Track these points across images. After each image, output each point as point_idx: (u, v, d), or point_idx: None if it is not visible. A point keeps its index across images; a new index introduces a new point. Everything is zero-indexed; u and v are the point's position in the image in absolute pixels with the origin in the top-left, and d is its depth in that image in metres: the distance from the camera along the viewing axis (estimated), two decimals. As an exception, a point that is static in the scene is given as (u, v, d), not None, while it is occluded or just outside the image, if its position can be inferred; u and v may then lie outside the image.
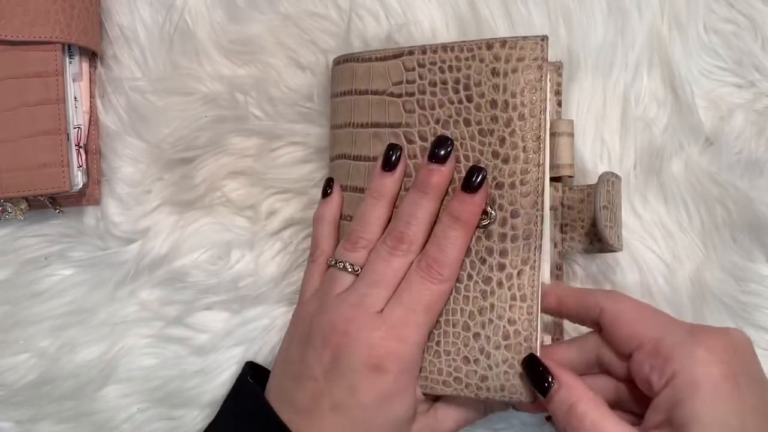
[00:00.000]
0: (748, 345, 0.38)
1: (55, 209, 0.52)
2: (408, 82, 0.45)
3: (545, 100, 0.42)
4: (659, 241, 0.51)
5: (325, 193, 0.48)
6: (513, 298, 0.42)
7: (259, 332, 0.52)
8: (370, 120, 0.46)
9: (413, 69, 0.45)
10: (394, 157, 0.45)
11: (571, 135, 0.46)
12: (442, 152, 0.43)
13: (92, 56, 0.53)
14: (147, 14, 0.53)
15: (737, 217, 0.50)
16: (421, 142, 0.44)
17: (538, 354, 0.41)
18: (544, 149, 0.42)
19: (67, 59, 0.50)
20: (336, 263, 0.44)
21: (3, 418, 0.53)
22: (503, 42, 0.43)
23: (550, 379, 0.39)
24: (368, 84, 0.46)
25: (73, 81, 0.51)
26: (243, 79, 0.52)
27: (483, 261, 0.43)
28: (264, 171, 0.52)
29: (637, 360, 0.39)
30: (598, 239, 0.46)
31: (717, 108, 0.51)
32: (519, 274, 0.42)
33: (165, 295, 0.53)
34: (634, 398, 0.41)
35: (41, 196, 0.50)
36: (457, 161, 0.44)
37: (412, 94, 0.45)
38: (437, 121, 0.44)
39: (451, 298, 0.43)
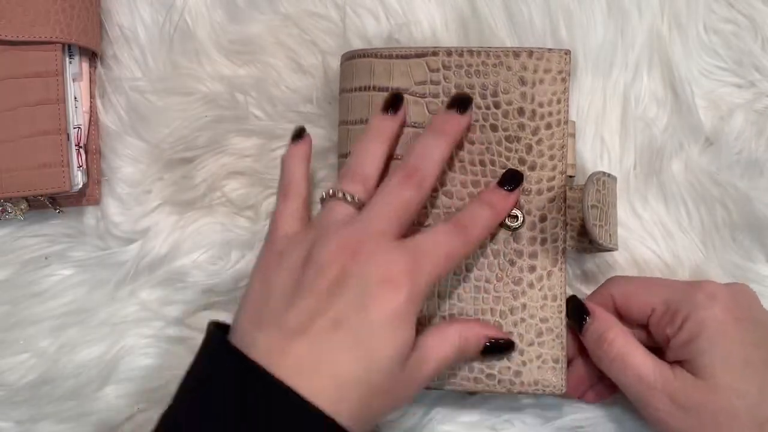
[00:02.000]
0: (750, 293, 0.44)
1: (55, 209, 0.52)
2: (432, 82, 0.45)
3: (568, 111, 0.45)
4: (659, 241, 0.51)
5: (297, 137, 0.46)
6: (545, 297, 0.45)
7: (259, 332, 0.52)
8: None
9: (438, 70, 0.45)
10: (397, 101, 0.44)
11: (573, 135, 0.46)
12: (462, 103, 0.44)
13: (92, 56, 0.53)
14: (147, 14, 0.53)
15: (737, 217, 0.50)
16: None
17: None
18: (566, 157, 0.45)
19: (67, 59, 0.50)
20: (335, 193, 0.41)
21: (3, 418, 0.53)
22: (530, 52, 0.45)
23: (586, 316, 0.44)
24: (389, 81, 0.46)
25: (73, 81, 0.51)
26: (243, 79, 0.52)
27: (512, 263, 0.45)
28: (264, 171, 0.52)
29: (652, 324, 0.44)
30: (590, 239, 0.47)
31: (717, 108, 0.51)
32: (549, 275, 0.45)
33: (165, 295, 0.53)
34: None
35: (41, 196, 0.50)
36: (482, 165, 0.45)
37: (437, 95, 0.45)
38: None
39: (481, 298, 0.45)
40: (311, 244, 0.39)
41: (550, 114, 0.45)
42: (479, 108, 0.45)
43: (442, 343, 0.41)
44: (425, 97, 0.45)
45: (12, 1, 0.48)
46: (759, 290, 0.49)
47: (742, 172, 0.51)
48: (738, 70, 0.52)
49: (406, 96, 0.45)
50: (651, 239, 0.51)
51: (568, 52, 0.45)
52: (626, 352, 0.43)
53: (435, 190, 0.45)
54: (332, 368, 0.36)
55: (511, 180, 0.44)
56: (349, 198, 0.41)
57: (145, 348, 0.53)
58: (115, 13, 0.53)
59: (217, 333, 0.39)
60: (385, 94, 0.45)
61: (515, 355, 0.44)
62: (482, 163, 0.45)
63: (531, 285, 0.45)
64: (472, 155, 0.45)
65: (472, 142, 0.45)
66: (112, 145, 0.53)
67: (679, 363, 0.42)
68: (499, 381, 0.45)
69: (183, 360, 0.52)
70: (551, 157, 0.45)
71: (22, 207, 0.51)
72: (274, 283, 0.39)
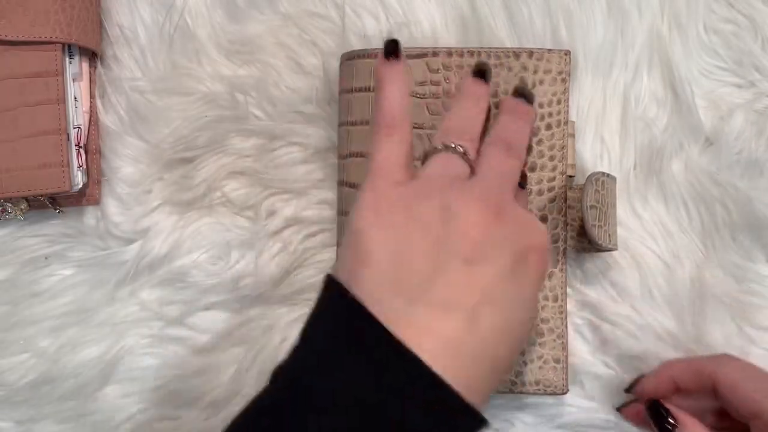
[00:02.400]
0: None
1: (55, 209, 0.52)
2: (433, 83, 0.45)
3: (568, 111, 0.45)
4: (659, 241, 0.51)
5: (390, 53, 0.38)
6: (546, 298, 0.45)
7: (259, 332, 0.52)
8: None
9: (438, 70, 0.45)
10: (484, 70, 0.40)
11: (573, 136, 0.46)
12: (525, 95, 0.41)
13: (92, 56, 0.53)
14: (147, 14, 0.53)
15: (737, 217, 0.50)
16: None
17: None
18: (566, 157, 0.45)
19: (67, 59, 0.50)
20: (452, 146, 0.37)
21: (3, 418, 0.53)
22: (530, 53, 0.45)
23: (672, 421, 0.42)
24: None
25: (73, 81, 0.51)
26: (243, 79, 0.52)
27: None
28: (264, 171, 0.52)
29: (756, 428, 0.40)
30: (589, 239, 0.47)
31: (717, 108, 0.51)
32: (550, 276, 0.45)
33: (165, 295, 0.53)
34: None
35: (41, 196, 0.50)
36: None
37: (437, 96, 0.45)
38: None
39: None
40: (443, 199, 0.34)
41: (551, 114, 0.45)
42: None
43: None
44: (425, 98, 0.45)
45: (12, 1, 0.48)
46: (759, 290, 0.50)
47: (742, 172, 0.51)
48: (738, 70, 0.52)
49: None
50: (651, 239, 0.51)
51: (567, 53, 0.45)
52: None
53: None
54: (491, 352, 0.32)
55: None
56: (464, 152, 0.37)
57: (145, 348, 0.53)
58: (115, 13, 0.53)
59: (354, 304, 0.32)
60: None
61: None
62: None
63: None
64: None
65: None
66: (112, 145, 0.53)
67: None
68: (501, 381, 0.45)
69: (183, 360, 0.52)
70: (551, 158, 0.45)
71: (22, 207, 0.51)
72: (409, 242, 0.33)
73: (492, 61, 0.45)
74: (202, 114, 0.52)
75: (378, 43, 0.51)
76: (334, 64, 0.51)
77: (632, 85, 0.51)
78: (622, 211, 0.51)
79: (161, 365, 0.53)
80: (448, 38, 0.51)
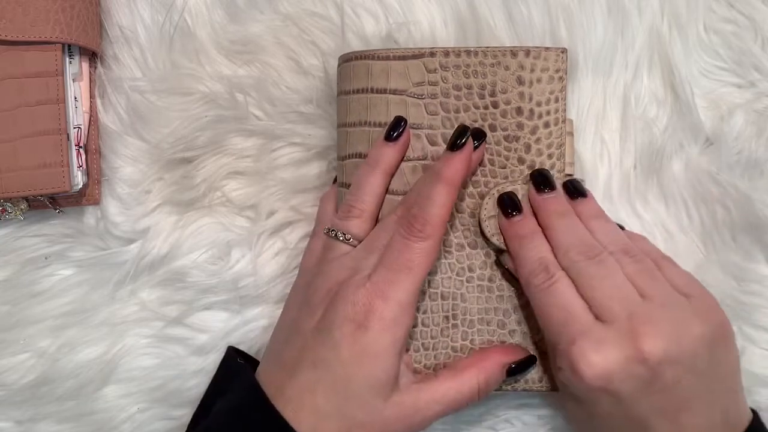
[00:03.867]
0: None
1: (55, 209, 0.52)
2: (430, 83, 0.45)
3: (566, 110, 0.45)
4: (659, 241, 0.51)
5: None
6: None
7: (259, 332, 0.52)
8: (389, 119, 0.45)
9: (435, 71, 0.45)
10: (400, 128, 0.44)
11: (571, 134, 0.46)
12: (461, 141, 0.43)
13: (92, 56, 0.53)
14: (147, 14, 0.53)
15: (737, 217, 0.50)
16: (445, 146, 0.45)
17: None
18: (564, 156, 0.45)
19: (67, 59, 0.50)
20: (329, 231, 0.45)
21: (3, 418, 0.53)
22: (527, 51, 0.45)
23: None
24: (386, 83, 0.45)
25: (73, 81, 0.51)
26: (243, 79, 0.52)
27: None
28: (264, 171, 0.52)
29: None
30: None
31: (717, 108, 0.51)
32: None
33: (165, 295, 0.53)
34: None
35: (41, 196, 0.50)
36: (481, 165, 0.45)
37: (435, 96, 0.45)
38: None
39: (485, 298, 0.45)
40: (309, 282, 0.44)
41: (548, 113, 0.45)
42: (477, 108, 0.45)
43: (460, 387, 0.42)
44: (423, 98, 0.45)
45: (12, 1, 0.48)
46: (759, 290, 0.50)
47: (742, 172, 0.51)
48: (738, 70, 0.52)
49: (404, 98, 0.45)
50: (651, 239, 0.51)
51: (564, 51, 0.45)
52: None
53: None
54: (312, 401, 0.40)
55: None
56: (341, 237, 0.44)
57: (145, 348, 0.53)
58: (114, 13, 0.53)
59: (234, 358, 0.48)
60: (386, 95, 0.45)
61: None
62: (481, 163, 0.45)
63: None
64: None
65: None
66: (111, 145, 0.53)
67: None
68: (504, 380, 0.44)
69: (183, 360, 0.52)
70: (549, 156, 0.45)
71: (22, 207, 0.51)
72: (285, 320, 0.45)
73: (489, 61, 0.45)
74: (202, 114, 0.52)
75: (377, 43, 0.51)
76: (334, 64, 0.51)
77: (632, 85, 0.51)
78: (622, 210, 0.51)
79: (161, 365, 0.53)
80: (448, 38, 0.51)
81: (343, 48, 0.51)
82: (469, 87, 0.45)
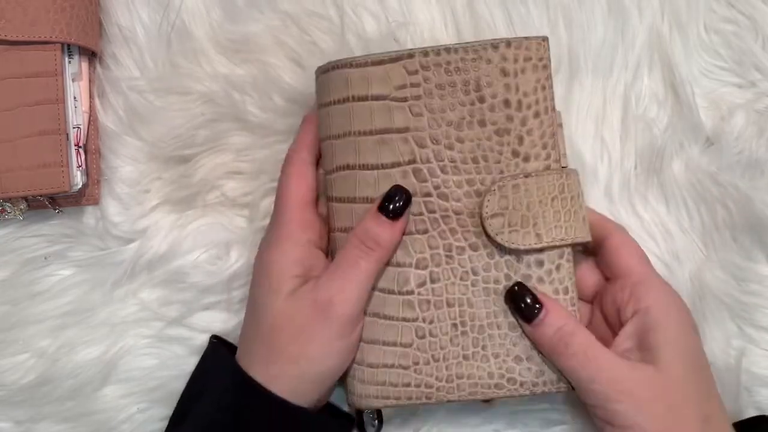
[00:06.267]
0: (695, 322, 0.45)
1: (55, 209, 0.52)
2: (412, 85, 0.44)
3: (553, 98, 0.44)
4: (659, 241, 0.51)
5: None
6: (556, 292, 0.44)
7: (259, 332, 0.52)
8: (374, 126, 0.44)
9: (416, 72, 0.44)
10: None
11: (561, 125, 0.45)
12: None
13: (91, 56, 0.53)
14: (145, 14, 0.53)
15: (737, 217, 0.50)
16: (434, 146, 0.44)
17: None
18: (557, 144, 0.44)
19: (67, 59, 0.50)
20: None
21: (3, 418, 0.53)
22: (508, 42, 0.43)
23: (538, 306, 0.43)
24: (367, 89, 0.44)
25: (73, 81, 0.51)
26: (242, 78, 0.52)
27: (519, 260, 0.44)
28: (262, 170, 0.52)
29: (619, 285, 0.44)
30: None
31: (717, 108, 0.51)
32: (558, 268, 0.44)
33: (165, 295, 0.53)
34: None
35: (41, 196, 0.50)
36: (475, 162, 0.44)
37: (418, 98, 0.44)
38: (449, 123, 0.44)
39: (492, 300, 0.44)
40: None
41: (537, 102, 0.43)
42: (463, 105, 0.44)
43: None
44: (407, 101, 0.44)
45: (12, 1, 0.48)
46: (759, 290, 0.50)
47: (743, 172, 0.51)
48: (738, 70, 0.51)
49: (387, 102, 0.44)
50: (651, 239, 0.51)
51: (545, 39, 0.43)
52: (587, 347, 0.42)
53: (428, 194, 0.44)
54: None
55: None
56: None
57: (144, 348, 0.53)
58: (113, 13, 0.53)
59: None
60: (368, 102, 0.44)
61: (534, 354, 0.43)
62: (475, 160, 0.44)
63: (541, 280, 0.44)
64: (463, 154, 0.44)
65: (462, 141, 0.44)
66: (111, 145, 0.53)
67: (630, 350, 0.43)
68: (521, 384, 0.43)
69: (182, 360, 0.52)
70: (544, 146, 0.44)
71: (22, 207, 0.51)
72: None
73: (470, 56, 0.43)
74: (201, 113, 0.52)
75: (377, 43, 0.51)
76: (334, 64, 0.51)
77: (632, 85, 0.51)
78: (622, 211, 0.51)
79: (161, 365, 0.53)
80: (447, 38, 0.51)
81: (343, 48, 0.51)
82: (453, 84, 0.44)
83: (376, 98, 0.44)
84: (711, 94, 0.51)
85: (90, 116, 0.53)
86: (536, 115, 0.44)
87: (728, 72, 0.52)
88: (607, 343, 0.43)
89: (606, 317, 0.46)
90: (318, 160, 0.48)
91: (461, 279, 0.44)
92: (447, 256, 0.44)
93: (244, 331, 0.47)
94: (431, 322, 0.44)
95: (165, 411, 0.52)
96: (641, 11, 0.51)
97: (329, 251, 0.47)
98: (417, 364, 0.44)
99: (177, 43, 0.52)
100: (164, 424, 0.52)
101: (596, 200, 0.51)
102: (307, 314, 0.43)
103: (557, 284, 0.44)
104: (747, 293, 0.50)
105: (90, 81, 0.53)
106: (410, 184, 0.44)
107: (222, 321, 0.53)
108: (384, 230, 0.43)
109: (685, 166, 0.51)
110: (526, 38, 0.43)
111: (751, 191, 0.50)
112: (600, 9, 0.51)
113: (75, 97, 0.51)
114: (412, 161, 0.44)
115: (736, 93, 0.52)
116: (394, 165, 0.44)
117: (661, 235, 0.51)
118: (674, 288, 0.50)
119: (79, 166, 0.51)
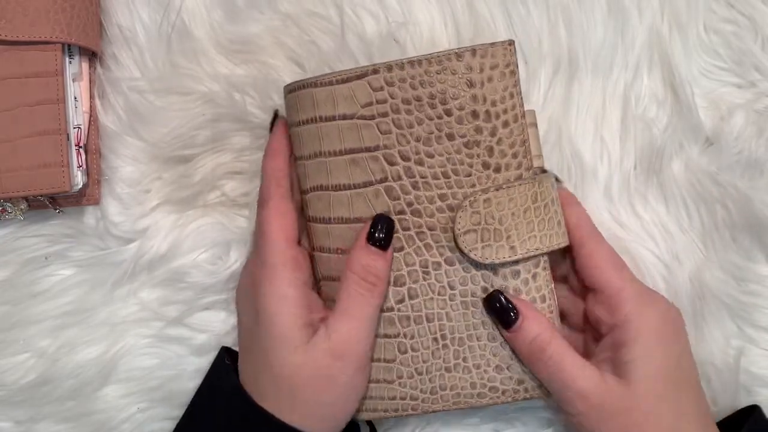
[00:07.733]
0: (682, 318, 0.45)
1: (55, 209, 0.52)
2: (378, 102, 0.43)
3: (522, 104, 0.43)
4: (659, 241, 0.51)
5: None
6: (533, 301, 0.44)
7: (259, 332, 0.52)
8: (343, 146, 0.44)
9: (381, 88, 0.43)
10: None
11: (535, 125, 0.45)
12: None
13: (92, 56, 0.53)
14: (146, 14, 0.53)
15: (737, 217, 0.50)
16: (404, 163, 0.43)
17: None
18: (529, 151, 0.43)
19: (67, 59, 0.50)
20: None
21: (3, 418, 0.53)
22: (473, 51, 0.42)
23: (514, 312, 0.43)
24: (333, 109, 0.44)
25: (73, 81, 0.51)
26: (242, 78, 0.52)
27: (495, 272, 0.44)
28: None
29: (596, 299, 0.45)
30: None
31: (717, 108, 0.51)
32: (534, 277, 0.44)
33: (165, 295, 0.53)
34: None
35: (41, 196, 0.50)
36: (446, 177, 0.43)
37: (385, 114, 0.43)
38: (418, 139, 0.43)
39: (470, 313, 0.44)
40: None
41: (505, 111, 0.43)
42: (431, 119, 0.43)
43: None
44: (374, 119, 0.43)
45: (12, 1, 0.48)
46: (758, 290, 0.50)
47: (743, 172, 0.51)
48: (738, 70, 0.52)
49: (355, 121, 0.44)
50: (651, 240, 0.51)
51: (511, 43, 0.43)
52: (561, 357, 0.42)
53: (402, 212, 0.44)
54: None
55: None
56: None
57: (145, 348, 0.53)
58: (113, 13, 0.53)
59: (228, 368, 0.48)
60: (336, 122, 0.44)
61: (513, 363, 0.44)
62: (445, 175, 0.43)
63: (517, 290, 0.44)
64: (433, 169, 0.43)
65: (431, 156, 0.43)
66: (111, 145, 0.53)
67: (605, 361, 0.43)
68: (503, 392, 0.44)
69: (183, 360, 0.52)
70: (515, 155, 0.43)
71: (22, 207, 0.51)
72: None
73: (435, 68, 0.43)
74: (201, 113, 0.52)
75: (377, 43, 0.51)
76: (334, 64, 0.51)
77: (632, 85, 0.51)
78: (622, 210, 0.51)
79: (161, 365, 0.53)
80: (447, 39, 0.51)
81: (343, 48, 0.51)
82: (419, 99, 0.43)
83: (344, 117, 0.44)
84: (711, 94, 0.52)
85: (90, 116, 0.53)
86: (505, 124, 0.43)
87: (728, 72, 0.52)
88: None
89: (592, 327, 0.46)
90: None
91: (439, 294, 0.44)
92: (424, 272, 0.44)
93: (248, 361, 0.46)
94: (412, 337, 0.44)
95: (165, 411, 0.52)
96: (641, 11, 0.51)
97: (314, 271, 0.47)
98: (401, 377, 0.45)
99: (177, 43, 0.52)
100: (164, 424, 0.53)
101: (596, 200, 0.51)
102: (326, 364, 0.42)
103: (534, 293, 0.44)
104: (746, 293, 0.50)
105: (90, 81, 0.53)
106: (383, 202, 0.44)
107: (222, 321, 0.53)
108: (379, 262, 0.43)
109: (685, 166, 0.51)
110: (492, 44, 0.42)
111: (750, 191, 0.50)
112: (600, 9, 0.51)
113: (75, 97, 0.51)
114: (384, 179, 0.44)
115: (736, 93, 0.52)
116: (366, 184, 0.44)
117: (660, 235, 0.51)
118: (674, 288, 0.50)
119: (80, 166, 0.51)
